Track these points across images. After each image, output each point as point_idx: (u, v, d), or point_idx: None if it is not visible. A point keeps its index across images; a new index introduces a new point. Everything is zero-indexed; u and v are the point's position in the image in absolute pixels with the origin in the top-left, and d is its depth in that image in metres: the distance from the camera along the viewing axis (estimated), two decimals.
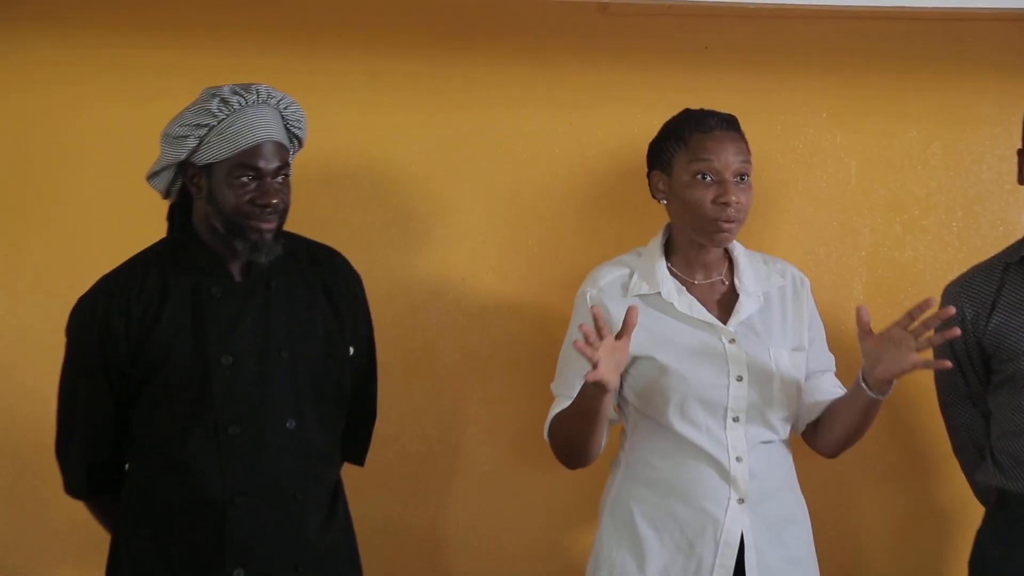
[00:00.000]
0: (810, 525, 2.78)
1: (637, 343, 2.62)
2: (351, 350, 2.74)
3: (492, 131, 3.27)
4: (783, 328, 2.73)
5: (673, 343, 2.65)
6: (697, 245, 2.71)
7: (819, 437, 2.77)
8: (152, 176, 2.62)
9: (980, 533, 2.90)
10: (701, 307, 2.68)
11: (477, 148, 3.26)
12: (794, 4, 3.03)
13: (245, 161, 2.53)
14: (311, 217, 2.89)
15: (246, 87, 2.57)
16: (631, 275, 2.73)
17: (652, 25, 3.24)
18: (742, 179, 2.66)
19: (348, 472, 2.87)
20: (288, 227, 2.71)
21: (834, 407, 2.74)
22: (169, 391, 2.57)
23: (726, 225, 2.64)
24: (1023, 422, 2.76)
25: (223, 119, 2.53)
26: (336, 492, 2.72)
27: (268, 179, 2.56)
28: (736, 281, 2.73)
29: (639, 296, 2.70)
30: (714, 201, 2.63)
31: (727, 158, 2.65)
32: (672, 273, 2.72)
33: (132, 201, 2.99)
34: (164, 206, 2.71)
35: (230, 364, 2.57)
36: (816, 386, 2.77)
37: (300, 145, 2.70)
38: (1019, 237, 2.91)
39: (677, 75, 3.27)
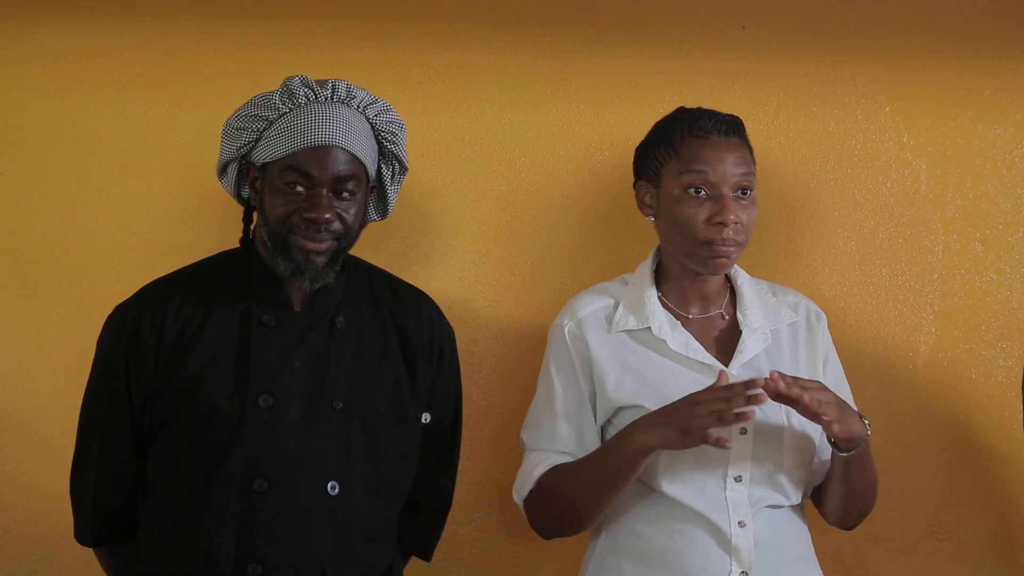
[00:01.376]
0: None
1: (624, 391, 2.55)
2: (426, 417, 2.62)
3: (484, 131, 3.12)
4: (795, 372, 2.57)
5: (665, 389, 2.52)
6: (692, 272, 2.60)
7: (821, 503, 2.66)
8: (220, 174, 2.56)
9: None
10: (699, 346, 2.57)
11: (466, 151, 3.12)
12: None
13: (297, 164, 2.42)
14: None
15: (323, 82, 2.47)
16: (616, 306, 2.63)
17: (677, 3, 3.15)
18: (744, 194, 2.54)
19: None
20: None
21: (830, 468, 2.64)
22: (195, 429, 2.45)
23: (723, 249, 2.51)
24: None
25: (285, 113, 2.45)
26: None
27: (323, 189, 2.42)
28: (739, 315, 2.62)
29: (625, 332, 2.59)
30: (708, 220, 2.51)
31: (725, 169, 2.52)
32: (663, 304, 2.63)
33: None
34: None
35: (270, 407, 2.44)
36: (823, 445, 2.62)
37: (402, 167, 2.59)
38: None
39: (707, 62, 3.12)
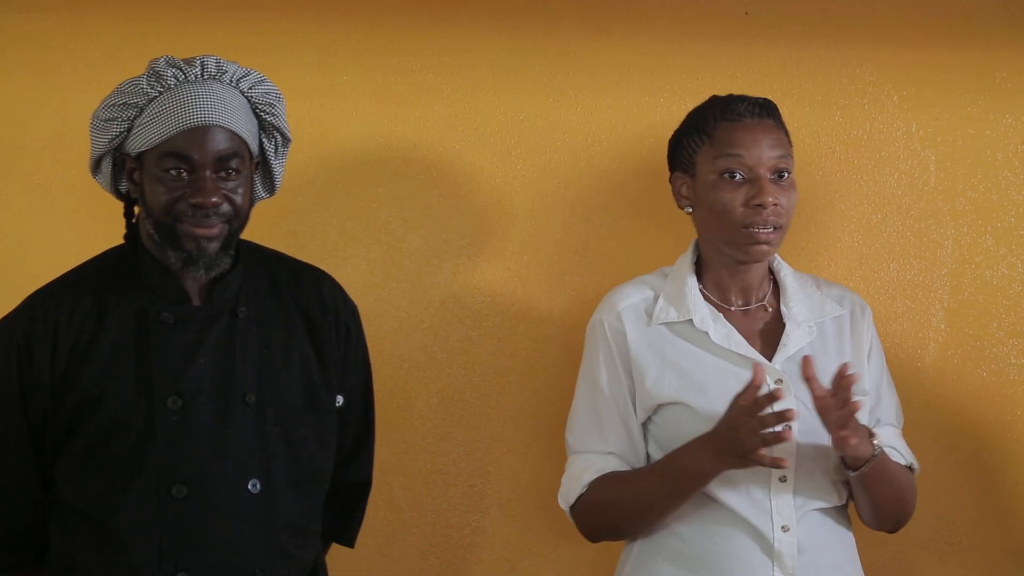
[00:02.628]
0: None
1: (664, 386, 2.53)
2: (339, 400, 2.58)
3: (478, 120, 3.09)
4: (840, 363, 2.51)
5: (707, 384, 2.52)
6: (732, 263, 2.58)
7: (858, 506, 2.62)
8: (93, 170, 2.49)
9: None
10: (741, 339, 2.54)
11: (459, 141, 3.09)
12: None
13: (175, 149, 2.36)
14: (250, 226, 2.67)
15: (191, 59, 2.41)
16: (656, 299, 2.61)
17: None
18: (781, 177, 2.53)
19: None
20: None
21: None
22: (102, 440, 2.39)
23: (763, 233, 2.49)
24: None
25: (155, 98, 2.38)
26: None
27: (206, 172, 2.36)
28: (783, 308, 2.60)
29: (666, 324, 2.57)
30: (746, 204, 2.49)
31: (760, 151, 2.51)
32: (704, 297, 2.60)
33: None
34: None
35: (179, 408, 2.39)
36: None
37: (284, 139, 2.53)
38: None
39: (709, 48, 3.10)
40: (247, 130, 2.43)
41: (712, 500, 2.48)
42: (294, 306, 2.55)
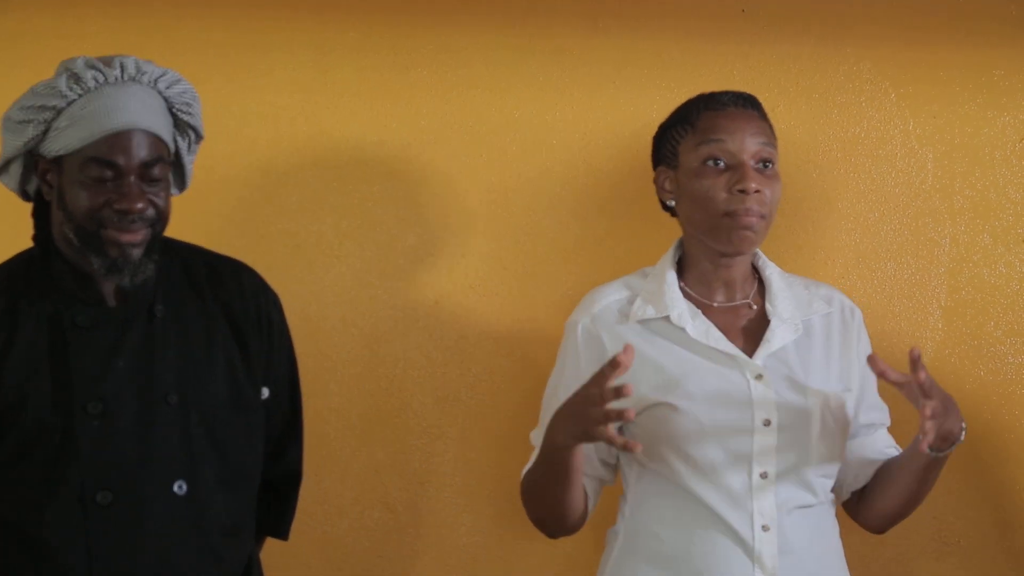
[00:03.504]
0: None
1: (643, 386, 2.49)
2: (265, 392, 2.55)
3: (473, 119, 3.09)
4: (826, 364, 2.57)
5: (687, 382, 2.50)
6: (715, 256, 2.55)
7: (867, 507, 2.63)
8: (0, 172, 2.46)
9: None
10: (720, 335, 2.52)
11: (454, 140, 3.09)
12: None
13: (99, 155, 2.31)
14: (245, 226, 2.83)
15: (109, 60, 2.36)
16: (633, 299, 2.60)
17: None
18: (765, 166, 2.52)
19: (289, 548, 2.78)
20: (216, 236, 2.67)
21: (885, 470, 2.61)
22: (22, 449, 2.36)
23: (746, 220, 2.47)
24: None
25: (74, 100, 2.33)
26: (249, 574, 2.56)
27: (131, 177, 2.33)
28: (768, 305, 2.58)
29: (642, 322, 2.55)
30: (729, 190, 2.48)
31: (743, 138, 2.50)
32: (685, 294, 2.58)
33: None
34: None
35: (99, 413, 2.36)
36: (866, 444, 2.62)
37: (198, 136, 2.50)
38: None
39: (706, 46, 3.10)
40: (167, 132, 2.41)
41: (693, 500, 2.48)
42: (213, 300, 2.52)
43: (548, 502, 2.52)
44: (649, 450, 2.52)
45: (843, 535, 2.64)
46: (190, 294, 2.49)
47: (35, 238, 2.46)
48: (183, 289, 2.49)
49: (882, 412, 2.66)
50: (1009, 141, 3.11)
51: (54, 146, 2.33)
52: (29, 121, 2.33)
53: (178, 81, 2.42)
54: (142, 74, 2.35)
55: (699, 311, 2.55)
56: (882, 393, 2.67)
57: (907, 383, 2.35)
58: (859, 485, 2.62)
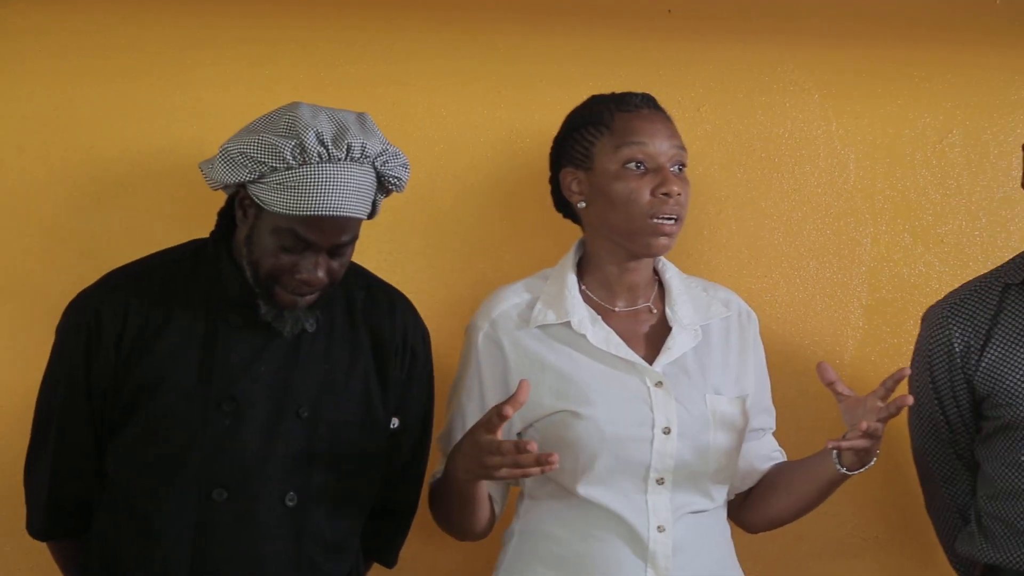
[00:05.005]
0: None
1: (545, 393, 2.50)
2: (395, 423, 2.57)
3: (402, 115, 3.05)
4: (723, 368, 2.59)
5: (588, 389, 2.49)
6: (620, 261, 2.55)
7: (753, 510, 2.65)
8: (204, 172, 2.49)
9: None
10: (620, 342, 2.51)
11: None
12: None
13: (298, 229, 2.35)
14: (176, 221, 2.75)
15: (339, 137, 2.35)
16: (534, 302, 2.57)
17: None
18: (680, 169, 2.54)
19: None
20: (147, 233, 2.69)
21: (780, 476, 2.63)
22: (154, 429, 2.42)
23: (667, 225, 2.48)
24: (1021, 482, 2.63)
25: (293, 168, 2.34)
26: None
27: (321, 255, 2.38)
28: (668, 311, 2.58)
29: (542, 327, 2.53)
30: (652, 194, 2.48)
31: (661, 142, 2.51)
32: (586, 299, 2.58)
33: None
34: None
35: (231, 411, 2.41)
36: (755, 449, 2.64)
37: (396, 191, 2.55)
38: None
39: (632, 46, 3.10)
40: (368, 208, 2.44)
41: (589, 503, 2.47)
42: (364, 325, 2.54)
43: (454, 518, 2.54)
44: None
45: (767, 532, 2.69)
46: (343, 313, 2.52)
47: (214, 236, 2.50)
48: (337, 307, 2.51)
49: (770, 416, 2.68)
50: (929, 142, 3.14)
51: (260, 195, 2.36)
52: (244, 166, 2.35)
53: (395, 156, 2.43)
54: (365, 157, 2.37)
55: (599, 317, 2.53)
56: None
57: (849, 398, 2.37)
58: (745, 488, 2.62)
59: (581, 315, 2.51)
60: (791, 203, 3.12)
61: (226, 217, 2.51)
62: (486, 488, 2.48)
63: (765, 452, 2.64)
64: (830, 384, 2.39)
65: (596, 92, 2.99)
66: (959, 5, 3.15)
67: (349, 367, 2.51)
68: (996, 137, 3.17)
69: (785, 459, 2.67)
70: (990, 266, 3.04)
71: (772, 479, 2.61)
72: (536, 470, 2.24)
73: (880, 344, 3.11)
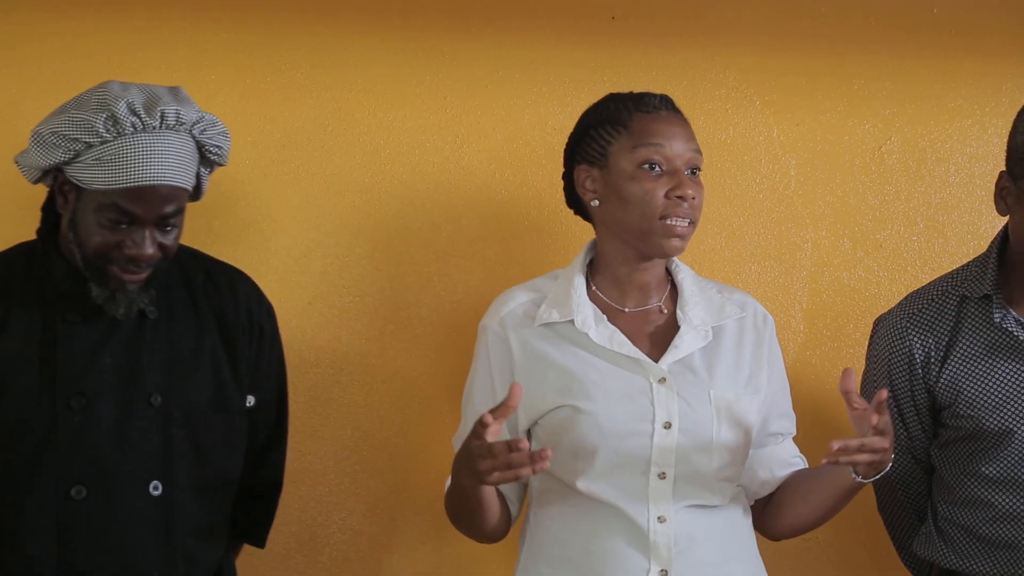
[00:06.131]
0: None
1: (548, 390, 2.51)
2: (250, 400, 2.59)
3: (347, 121, 3.08)
4: (735, 367, 2.57)
5: (591, 386, 2.50)
6: (633, 260, 2.55)
7: (773, 517, 2.63)
8: (20, 164, 2.47)
9: None
10: (625, 340, 2.51)
11: (328, 141, 3.09)
12: None
13: (121, 203, 2.34)
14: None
15: (151, 104, 2.36)
16: (541, 301, 2.58)
17: None
18: (694, 173, 2.53)
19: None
20: None
21: (797, 483, 2.60)
22: (4, 438, 2.40)
23: (680, 227, 2.48)
24: (982, 492, 2.64)
25: (107, 141, 2.34)
26: None
27: (147, 228, 2.37)
28: (678, 311, 2.57)
29: (546, 325, 2.54)
30: (667, 196, 2.47)
31: (678, 145, 2.51)
32: (595, 298, 2.57)
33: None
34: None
35: (81, 408, 2.40)
36: (774, 454, 2.62)
37: (218, 165, 2.56)
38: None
39: (578, 51, 3.12)
40: (191, 178, 2.43)
41: (591, 499, 2.48)
42: (207, 305, 2.54)
43: (465, 522, 2.54)
44: (552, 451, 2.53)
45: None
46: (184, 297, 2.52)
47: (39, 233, 2.48)
48: (177, 292, 2.52)
49: (791, 422, 2.67)
50: (868, 148, 3.16)
51: (78, 175, 2.34)
52: (58, 146, 2.34)
53: (214, 124, 2.44)
54: (180, 124, 2.37)
55: (604, 316, 2.54)
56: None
57: (863, 410, 2.35)
58: (764, 493, 2.62)
59: (585, 314, 2.52)
60: (733, 208, 3.13)
61: (49, 211, 2.50)
62: (493, 491, 2.48)
63: (785, 458, 2.64)
64: (846, 393, 2.37)
65: (540, 98, 3.14)
66: (897, 15, 3.18)
67: (195, 349, 2.52)
68: (933, 144, 3.20)
69: (806, 465, 2.67)
70: (928, 271, 3.14)
71: (790, 486, 2.61)
72: (528, 470, 2.24)
73: (821, 348, 3.13)
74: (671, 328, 2.56)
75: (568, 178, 2.61)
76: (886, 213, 3.18)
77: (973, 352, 2.63)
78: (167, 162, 2.35)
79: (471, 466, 2.29)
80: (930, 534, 2.72)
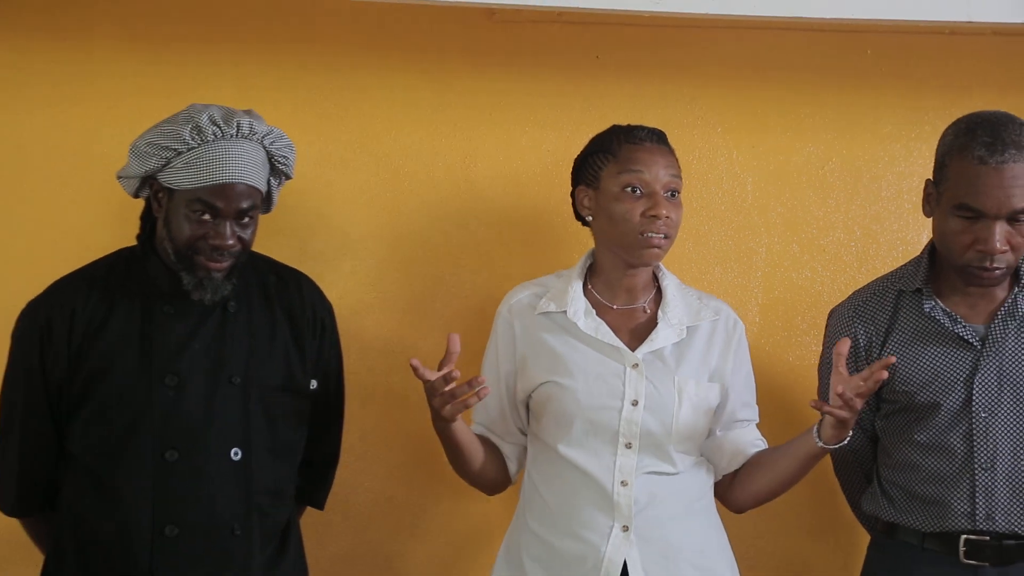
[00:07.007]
0: (729, 559, 2.75)
1: (539, 367, 2.64)
2: (313, 384, 2.71)
3: (372, 144, 3.20)
4: (703, 360, 2.70)
5: (573, 365, 2.63)
6: (621, 267, 2.68)
7: (739, 489, 2.75)
8: (121, 178, 2.61)
9: (869, 561, 2.88)
10: (608, 331, 2.65)
11: (356, 162, 3.19)
12: (689, 14, 2.95)
13: (205, 198, 2.50)
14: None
15: (228, 116, 2.52)
16: (543, 295, 2.71)
17: (541, 33, 3.21)
18: (673, 195, 2.64)
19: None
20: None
21: (764, 456, 2.73)
22: (108, 408, 2.54)
23: (655, 239, 2.60)
24: (915, 456, 2.71)
25: (193, 148, 2.50)
26: (288, 532, 2.68)
27: (228, 221, 2.52)
28: (660, 311, 2.69)
29: (545, 314, 2.68)
30: (644, 215, 2.60)
31: (657, 171, 2.63)
32: (590, 295, 2.70)
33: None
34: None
35: (174, 385, 2.53)
36: (740, 436, 2.76)
37: (288, 177, 2.69)
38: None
39: (568, 85, 3.23)
40: (263, 181, 2.58)
41: (568, 463, 2.61)
42: (278, 303, 2.67)
43: (460, 467, 2.69)
44: (539, 421, 2.68)
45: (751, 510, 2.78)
46: (259, 296, 2.65)
47: (139, 238, 2.64)
48: (254, 291, 2.65)
49: (754, 412, 2.79)
50: (813, 167, 3.28)
51: (169, 179, 2.51)
52: (152, 155, 2.50)
53: (281, 138, 2.59)
54: (253, 133, 2.53)
55: (593, 310, 2.66)
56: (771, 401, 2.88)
57: (842, 375, 2.45)
58: (731, 469, 2.73)
59: (577, 307, 2.65)
60: (698, 218, 3.23)
61: (147, 220, 2.63)
62: (468, 435, 2.63)
63: (749, 440, 2.74)
64: (839, 356, 2.46)
65: (537, 124, 3.18)
66: (836, 55, 3.26)
67: (270, 339, 2.63)
68: (868, 164, 3.30)
69: (767, 447, 2.75)
70: (864, 271, 3.25)
71: (756, 460, 2.71)
72: (472, 397, 2.42)
73: (773, 336, 3.25)
74: (651, 325, 2.69)
75: (573, 196, 2.75)
76: (828, 222, 3.28)
77: (906, 337, 2.72)
78: (242, 164, 2.50)
79: (432, 409, 2.49)
80: (875, 493, 2.79)
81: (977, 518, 2.67)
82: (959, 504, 2.67)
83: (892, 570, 2.77)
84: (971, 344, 2.69)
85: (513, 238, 3.21)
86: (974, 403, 2.67)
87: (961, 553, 2.67)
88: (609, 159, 2.66)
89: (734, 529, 2.83)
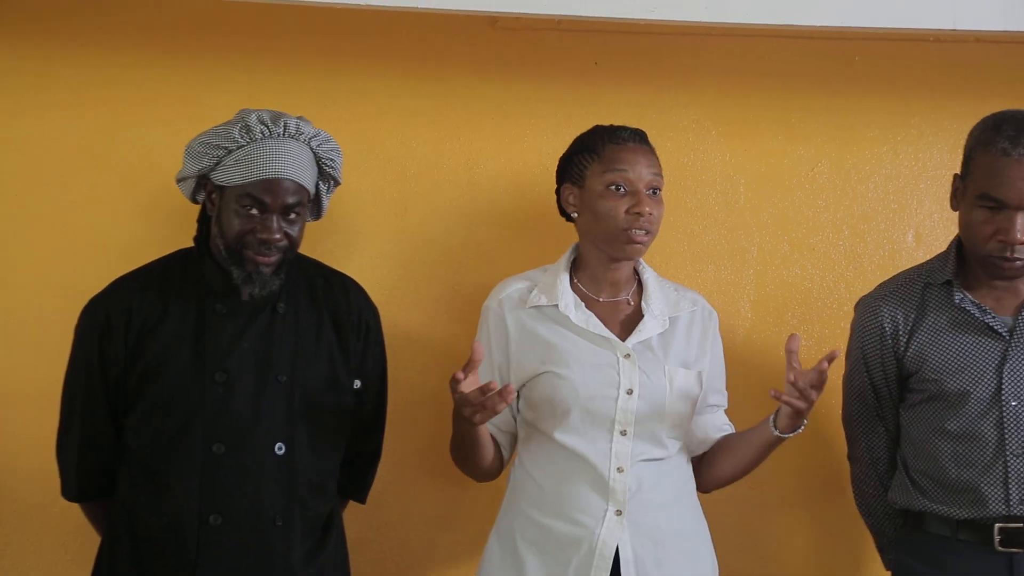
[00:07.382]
0: (709, 545, 2.78)
1: (533, 358, 2.66)
2: (357, 384, 2.75)
3: (380, 147, 3.24)
4: (684, 349, 2.74)
5: (567, 355, 2.65)
6: (606, 261, 2.71)
7: (703, 470, 2.79)
8: (179, 180, 2.68)
9: (900, 561, 2.87)
10: (598, 322, 2.68)
11: (365, 163, 3.23)
12: (683, 22, 3.00)
13: (253, 193, 2.56)
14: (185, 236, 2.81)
15: (276, 117, 2.59)
16: (532, 288, 2.73)
17: (542, 40, 3.24)
18: (654, 192, 2.68)
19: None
20: (161, 243, 2.77)
21: (728, 442, 2.78)
22: (162, 403, 2.59)
23: (638, 235, 2.64)
24: (946, 445, 2.74)
25: (243, 146, 2.57)
26: (329, 525, 2.72)
27: (275, 215, 2.58)
28: (643, 303, 2.73)
29: (536, 307, 2.70)
30: (627, 212, 2.64)
31: (640, 170, 2.66)
32: (576, 289, 2.73)
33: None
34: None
35: (224, 381, 2.58)
36: (710, 421, 2.80)
37: (336, 182, 2.74)
38: (909, 256, 3.08)
39: (567, 91, 3.27)
40: (310, 180, 2.63)
41: (564, 450, 2.63)
42: (325, 305, 2.72)
43: (469, 461, 2.73)
44: (535, 409, 2.70)
45: (717, 491, 2.81)
46: (307, 298, 2.71)
47: (196, 240, 2.71)
48: (302, 293, 2.70)
49: (724, 398, 2.85)
50: (803, 169, 3.32)
51: (221, 177, 2.58)
52: (205, 154, 2.58)
53: (328, 141, 2.66)
54: (300, 133, 2.60)
55: (583, 303, 2.69)
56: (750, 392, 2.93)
57: (796, 369, 2.50)
58: (700, 452, 2.79)
59: (567, 300, 2.69)
60: (693, 218, 3.27)
61: (203, 223, 2.69)
62: (486, 432, 2.65)
63: (718, 424, 2.80)
64: (790, 352, 2.51)
65: (537, 129, 3.22)
66: (826, 62, 3.29)
67: (315, 340, 2.67)
68: (856, 166, 3.32)
69: (734, 431, 2.81)
70: (852, 269, 3.29)
71: (721, 445, 2.77)
72: (502, 404, 2.43)
73: (764, 332, 3.28)
74: (636, 316, 2.73)
75: (557, 194, 2.79)
76: (817, 222, 3.32)
77: (937, 327, 2.74)
78: (289, 161, 2.57)
79: (460, 414, 2.50)
80: (904, 485, 2.80)
81: (1011, 503, 2.68)
82: (993, 491, 2.68)
83: (926, 562, 2.77)
84: (1000, 334, 2.72)
85: (514, 238, 3.25)
86: (1003, 391, 2.69)
87: (996, 541, 2.69)
88: (594, 158, 2.70)
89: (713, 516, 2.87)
